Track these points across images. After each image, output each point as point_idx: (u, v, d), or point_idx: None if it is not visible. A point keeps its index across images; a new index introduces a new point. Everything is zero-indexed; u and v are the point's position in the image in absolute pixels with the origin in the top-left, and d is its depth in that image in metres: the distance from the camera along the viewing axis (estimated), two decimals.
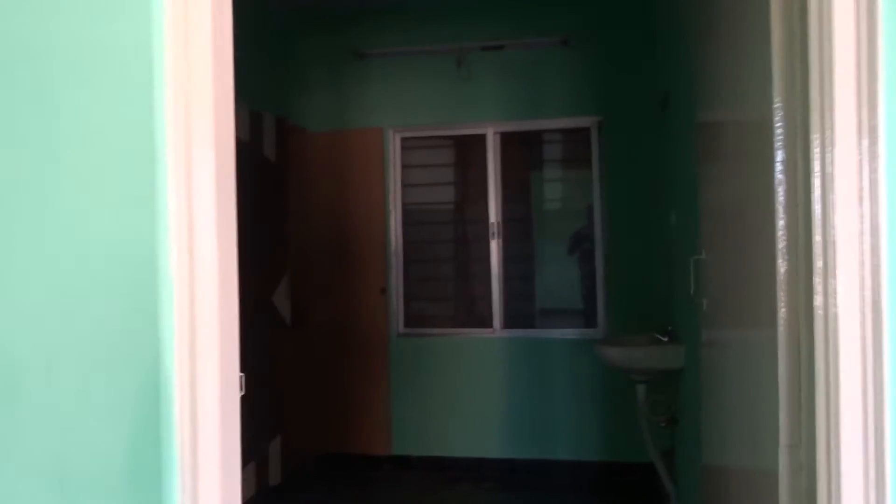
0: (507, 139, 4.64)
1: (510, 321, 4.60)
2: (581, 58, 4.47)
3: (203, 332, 1.24)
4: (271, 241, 4.03)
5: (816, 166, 1.15)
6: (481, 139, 4.64)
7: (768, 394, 1.39)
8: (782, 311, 1.32)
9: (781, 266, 1.32)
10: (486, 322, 4.62)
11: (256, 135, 3.93)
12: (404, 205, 4.74)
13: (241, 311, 3.64)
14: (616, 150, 4.42)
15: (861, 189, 1.11)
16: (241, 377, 1.31)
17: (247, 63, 4.87)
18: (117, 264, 1.31)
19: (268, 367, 3.96)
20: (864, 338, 1.10)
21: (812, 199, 1.16)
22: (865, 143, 1.10)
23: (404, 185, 4.75)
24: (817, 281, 1.15)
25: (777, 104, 1.32)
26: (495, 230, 4.59)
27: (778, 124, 1.32)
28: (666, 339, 3.47)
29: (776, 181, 1.33)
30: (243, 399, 3.67)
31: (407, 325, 4.69)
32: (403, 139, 4.74)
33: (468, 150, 4.73)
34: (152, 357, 1.27)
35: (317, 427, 4.65)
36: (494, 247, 4.60)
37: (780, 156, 1.32)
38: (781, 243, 1.32)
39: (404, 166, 4.76)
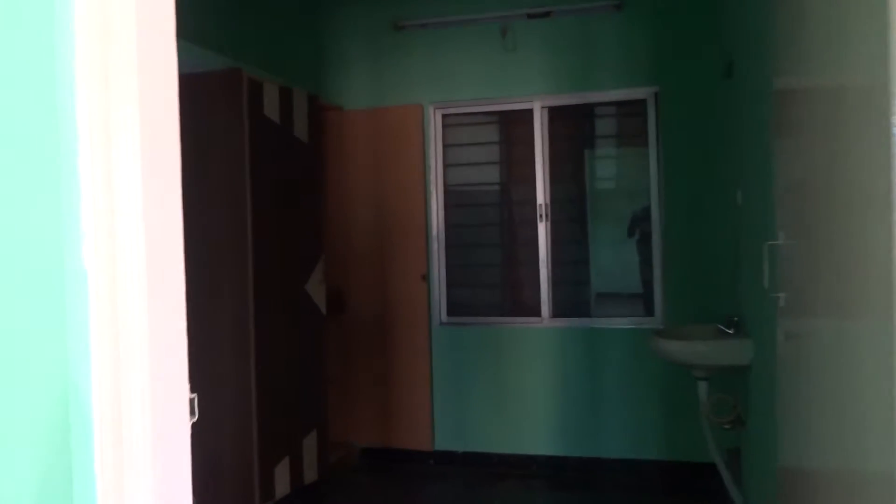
0: (555, 114, 4.31)
1: (560, 310, 4.29)
2: (635, 23, 4.10)
3: (131, 342, 0.93)
4: (303, 226, 3.81)
5: None
6: (528, 114, 4.32)
7: (875, 390, 1.13)
8: None
9: None
10: (533, 311, 4.32)
11: (286, 114, 3.71)
12: (446, 186, 4.47)
13: (271, 301, 3.43)
14: (674, 124, 4.05)
15: None
16: (192, 399, 1.02)
17: (277, 38, 4.68)
18: (6, 258, 0.90)
19: (301, 359, 3.76)
20: None
21: None
22: None
23: (446, 165, 4.47)
24: None
25: None
26: (543, 212, 4.28)
27: None
28: (731, 332, 3.13)
29: (894, 154, 1.02)
30: (276, 392, 3.44)
31: (449, 313, 4.44)
32: (444, 116, 4.46)
33: (514, 127, 4.42)
34: (59, 380, 0.92)
35: (354, 421, 4.45)
36: (542, 230, 4.29)
37: None
38: None
39: (446, 145, 4.47)
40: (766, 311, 2.36)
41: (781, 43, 1.94)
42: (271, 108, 3.59)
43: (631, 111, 4.24)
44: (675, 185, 4.06)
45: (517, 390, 4.27)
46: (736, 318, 3.17)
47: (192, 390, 1.01)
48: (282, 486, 3.57)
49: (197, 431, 1.04)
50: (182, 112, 3.32)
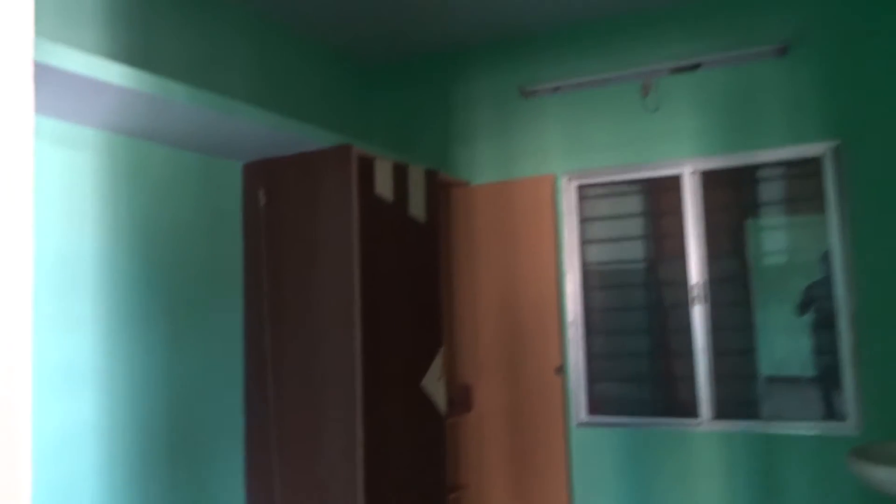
0: (709, 179, 3.71)
1: (722, 409, 3.58)
2: (803, 68, 3.47)
3: None
4: (419, 315, 3.43)
5: None
6: (676, 181, 3.76)
7: None
8: None
9: None
10: (690, 410, 3.64)
11: (401, 192, 3.39)
12: (584, 265, 3.95)
13: (382, 400, 3.03)
14: (862, 182, 3.34)
15: None
16: None
17: (395, 111, 4.46)
18: None
19: (417, 465, 3.31)
20: None
21: None
22: None
23: (583, 242, 3.96)
24: None
25: None
26: (698, 292, 3.64)
27: None
28: None
29: None
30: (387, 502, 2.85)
31: (590, 411, 3.84)
32: (580, 186, 3.98)
33: (660, 196, 3.85)
34: None
35: None
36: (698, 314, 3.64)
37: None
38: None
39: (582, 219, 3.98)
40: None
41: None
42: (384, 186, 3.29)
43: (803, 171, 3.56)
44: (867, 255, 3.30)
45: None
46: None
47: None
48: None
49: None
50: (291, 194, 3.03)
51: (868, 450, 2.67)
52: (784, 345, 3.67)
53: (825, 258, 3.47)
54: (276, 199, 3.28)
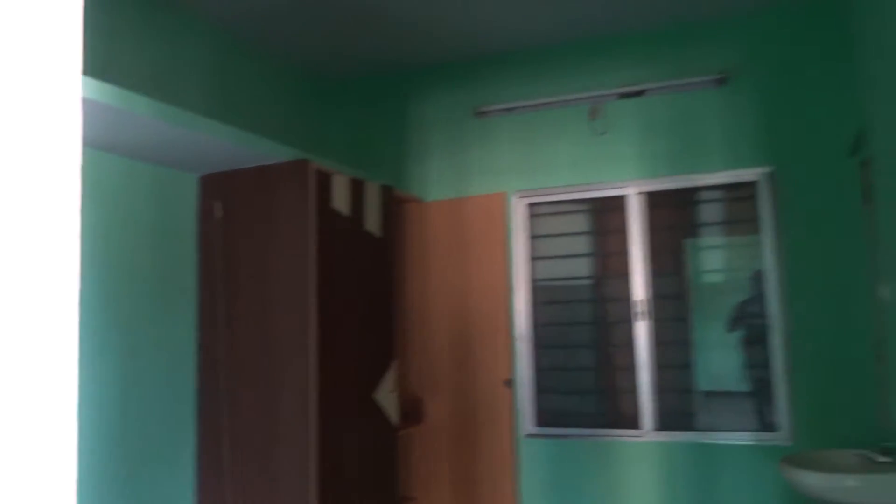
0: (653, 200, 3.88)
1: (664, 421, 3.73)
2: (741, 98, 3.68)
3: None
4: (374, 328, 3.48)
5: None
6: (621, 202, 3.92)
7: None
8: None
9: None
10: (633, 422, 3.78)
11: (357, 206, 3.45)
12: (533, 281, 4.07)
13: (336, 412, 3.07)
14: (794, 207, 3.55)
15: None
16: None
17: (351, 127, 4.52)
18: None
19: (370, 476, 3.35)
20: None
21: None
22: None
23: (532, 258, 4.09)
24: None
25: None
26: (642, 309, 3.80)
27: None
28: (888, 461, 2.52)
29: None
30: None
31: (538, 423, 3.95)
32: (530, 205, 4.11)
33: (606, 215, 4.01)
34: None
35: None
36: (641, 329, 3.80)
37: None
38: None
39: (532, 236, 4.10)
40: None
41: None
42: (340, 201, 3.34)
43: (739, 195, 3.77)
44: (798, 277, 3.51)
45: None
46: (893, 445, 2.57)
47: None
48: None
49: None
50: (247, 207, 3.07)
51: (798, 458, 2.84)
52: (719, 359, 3.86)
53: (755, 277, 3.67)
54: (232, 211, 3.30)
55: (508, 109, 4.10)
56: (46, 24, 0.59)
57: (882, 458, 2.54)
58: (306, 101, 4.40)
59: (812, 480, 2.53)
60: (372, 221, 3.55)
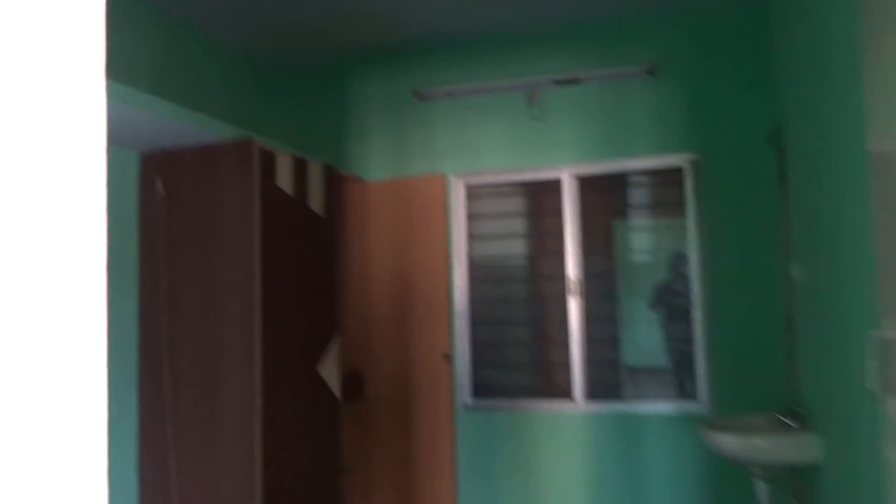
0: (585, 183, 4.07)
1: (594, 392, 3.95)
2: (669, 88, 3.90)
3: None
4: (317, 304, 3.56)
5: None
6: (556, 184, 4.09)
7: None
8: None
9: None
10: (565, 393, 3.98)
11: (301, 186, 3.51)
12: (471, 260, 4.21)
13: (281, 385, 3.15)
14: (715, 193, 3.79)
15: None
16: None
17: (293, 108, 4.55)
18: None
19: (314, 448, 3.44)
20: None
21: None
22: None
23: (470, 238, 4.23)
24: None
25: None
26: (574, 287, 3.99)
27: None
28: (795, 425, 2.78)
29: None
30: (285, 483, 3.07)
31: (475, 395, 4.11)
32: (469, 186, 4.24)
33: (542, 197, 4.18)
34: None
35: None
36: (573, 306, 3.99)
37: None
38: None
39: (470, 217, 4.24)
40: (859, 410, 2.04)
41: (879, 100, 1.69)
42: (284, 180, 3.39)
43: (666, 179, 3.99)
44: (718, 258, 3.76)
45: (548, 481, 3.90)
46: (800, 410, 2.82)
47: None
48: None
49: None
50: (191, 185, 3.11)
51: (715, 423, 3.09)
52: (645, 335, 4.10)
53: (676, 258, 3.91)
54: (174, 189, 3.30)
55: (448, 93, 4.21)
56: (64, 20, 0.66)
57: (790, 422, 2.80)
58: (249, 83, 4.40)
59: (728, 442, 2.76)
60: (315, 200, 3.61)
